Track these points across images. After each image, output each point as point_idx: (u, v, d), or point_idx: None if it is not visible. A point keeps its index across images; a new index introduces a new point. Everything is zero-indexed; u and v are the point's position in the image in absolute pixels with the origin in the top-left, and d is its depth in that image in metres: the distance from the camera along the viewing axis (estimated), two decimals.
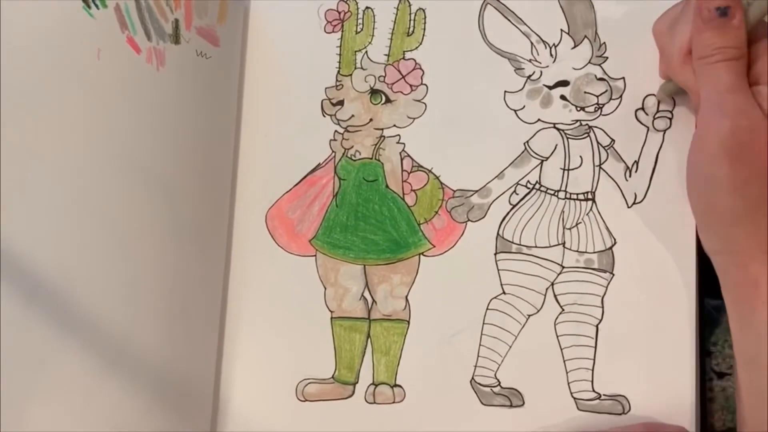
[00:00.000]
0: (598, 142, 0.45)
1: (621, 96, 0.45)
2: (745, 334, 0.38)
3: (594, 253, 0.44)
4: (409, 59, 0.47)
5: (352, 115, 0.47)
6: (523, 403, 0.43)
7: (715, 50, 0.37)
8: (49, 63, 0.39)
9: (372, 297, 0.45)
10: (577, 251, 0.44)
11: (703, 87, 0.38)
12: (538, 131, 0.45)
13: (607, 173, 0.44)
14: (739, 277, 0.38)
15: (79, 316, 0.38)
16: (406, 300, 0.45)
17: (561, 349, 0.43)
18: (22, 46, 0.38)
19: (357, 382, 0.45)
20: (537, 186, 0.45)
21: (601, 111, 0.45)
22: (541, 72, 0.46)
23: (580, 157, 0.45)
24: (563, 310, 0.44)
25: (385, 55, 0.47)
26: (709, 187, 0.38)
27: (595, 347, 0.43)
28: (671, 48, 0.40)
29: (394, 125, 0.47)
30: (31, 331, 0.36)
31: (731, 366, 0.43)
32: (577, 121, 0.45)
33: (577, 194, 0.44)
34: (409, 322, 0.45)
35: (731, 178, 0.36)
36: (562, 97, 0.45)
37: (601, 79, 0.45)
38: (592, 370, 0.43)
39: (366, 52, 0.47)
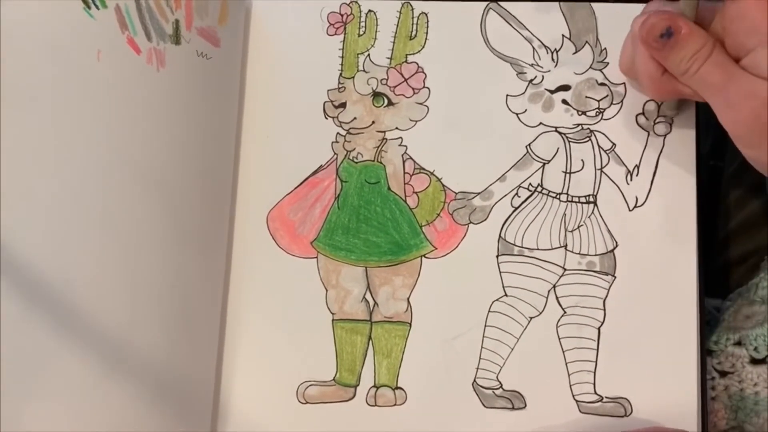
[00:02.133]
0: (599, 146, 0.45)
1: (622, 101, 0.45)
2: None
3: (596, 255, 0.44)
4: (411, 62, 0.47)
5: (355, 118, 0.47)
6: (525, 405, 0.43)
7: (689, 62, 0.38)
8: (49, 64, 0.38)
9: (374, 299, 0.45)
10: (578, 254, 0.44)
11: (705, 94, 0.39)
12: (539, 134, 0.46)
13: (608, 177, 0.45)
14: None
15: (79, 318, 0.38)
16: (408, 302, 0.45)
17: (563, 352, 0.43)
18: (22, 47, 0.37)
19: (358, 385, 0.44)
20: (539, 189, 0.45)
21: (602, 115, 0.45)
22: (543, 76, 0.46)
23: (582, 160, 0.45)
24: (565, 312, 0.44)
25: (388, 58, 0.47)
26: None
27: (597, 349, 0.43)
28: (647, 77, 0.41)
29: (397, 128, 0.47)
30: (32, 332, 0.36)
31: (733, 365, 0.43)
32: (578, 125, 0.46)
33: (579, 197, 0.45)
34: (410, 325, 0.45)
35: None
36: (564, 102, 0.46)
37: (602, 84, 0.46)
38: (594, 373, 0.43)
39: (368, 54, 0.48)
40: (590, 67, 0.46)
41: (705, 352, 0.43)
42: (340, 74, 0.48)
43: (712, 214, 0.49)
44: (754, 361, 0.43)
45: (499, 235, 0.45)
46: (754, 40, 0.37)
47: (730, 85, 0.37)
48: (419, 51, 0.47)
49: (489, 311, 0.44)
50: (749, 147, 0.38)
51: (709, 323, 0.44)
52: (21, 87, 0.37)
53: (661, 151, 0.45)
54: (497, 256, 0.45)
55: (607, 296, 0.44)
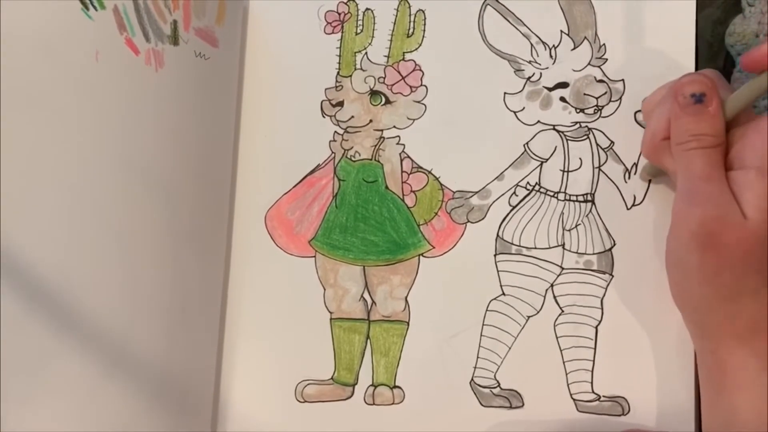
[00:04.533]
0: (597, 144, 0.45)
1: (620, 98, 0.45)
2: (712, 414, 0.38)
3: (593, 254, 0.44)
4: (408, 60, 0.47)
5: (352, 116, 0.47)
6: (523, 404, 0.43)
7: (691, 137, 0.37)
8: (47, 65, 0.38)
9: (371, 298, 0.45)
10: (576, 253, 0.44)
11: (678, 173, 0.38)
12: (537, 133, 0.45)
13: (606, 175, 0.44)
14: (709, 361, 0.38)
15: (79, 318, 0.38)
16: (406, 301, 0.45)
17: (560, 351, 0.43)
18: (20, 49, 0.37)
19: (356, 384, 0.45)
20: (536, 187, 0.45)
21: (601, 113, 0.45)
22: (541, 73, 0.46)
23: (580, 158, 0.45)
24: (563, 311, 0.44)
25: (385, 56, 0.47)
26: (682, 275, 0.38)
27: (595, 348, 0.43)
28: (650, 131, 0.40)
29: (394, 126, 0.47)
30: (32, 333, 0.36)
31: None
32: (576, 122, 0.45)
33: (577, 196, 0.44)
34: (408, 324, 0.45)
35: (701, 268, 0.36)
36: (562, 99, 0.45)
37: (600, 80, 0.45)
38: (592, 372, 0.43)
39: (366, 53, 0.47)
40: (589, 64, 0.45)
41: None
42: (338, 73, 0.47)
43: None
44: None
45: (497, 234, 0.45)
46: (753, 160, 0.36)
47: (704, 183, 0.36)
48: (416, 48, 0.47)
49: (487, 310, 0.44)
50: (682, 247, 0.37)
51: None
52: (19, 88, 0.37)
53: None
54: (495, 255, 0.45)
55: (604, 295, 0.43)
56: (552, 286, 0.44)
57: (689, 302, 0.38)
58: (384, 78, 0.47)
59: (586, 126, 0.45)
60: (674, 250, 0.38)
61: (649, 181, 0.44)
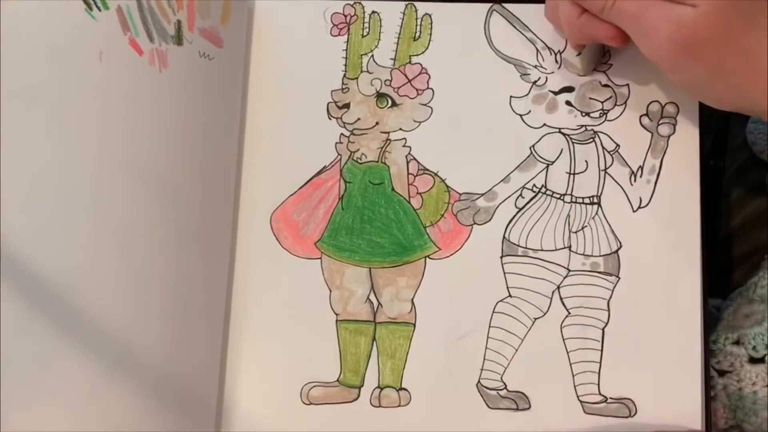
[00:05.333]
0: (603, 147, 0.45)
1: (625, 102, 0.45)
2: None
3: (600, 256, 0.44)
4: (415, 63, 0.47)
5: (358, 119, 0.47)
6: (530, 406, 0.43)
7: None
8: (50, 66, 0.38)
9: (378, 300, 0.45)
10: (583, 255, 0.44)
11: (624, 27, 0.39)
12: (543, 136, 0.46)
13: (612, 178, 0.45)
14: None
15: (82, 318, 0.38)
16: (412, 303, 0.45)
17: (567, 353, 0.43)
18: (24, 49, 0.37)
19: (362, 386, 0.44)
20: (543, 190, 0.45)
21: (606, 117, 0.45)
22: (547, 78, 0.46)
23: (586, 161, 0.45)
24: (569, 313, 0.44)
25: (392, 59, 0.47)
26: (695, 84, 0.39)
27: (602, 350, 0.43)
28: (565, 20, 0.42)
29: (400, 129, 0.47)
30: (35, 333, 0.36)
31: (732, 364, 0.44)
32: (582, 126, 0.46)
33: (583, 198, 0.45)
34: (414, 325, 0.45)
35: (706, 69, 0.37)
36: (568, 103, 0.46)
37: (605, 85, 0.46)
38: (599, 373, 0.43)
39: (372, 55, 0.48)
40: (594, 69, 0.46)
41: (709, 353, 0.43)
42: (344, 75, 0.47)
43: (713, 214, 0.49)
44: (753, 360, 0.43)
45: (504, 236, 0.45)
46: None
47: (646, 13, 0.37)
48: (423, 52, 0.47)
49: (493, 312, 0.44)
50: (672, 71, 0.39)
51: (708, 322, 0.44)
52: (22, 88, 0.37)
53: (664, 152, 0.45)
54: (501, 257, 0.45)
55: (611, 297, 0.44)
56: (558, 288, 0.44)
57: (739, 77, 0.38)
58: (390, 81, 0.47)
59: (592, 129, 0.45)
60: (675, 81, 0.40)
61: (656, 182, 0.44)
